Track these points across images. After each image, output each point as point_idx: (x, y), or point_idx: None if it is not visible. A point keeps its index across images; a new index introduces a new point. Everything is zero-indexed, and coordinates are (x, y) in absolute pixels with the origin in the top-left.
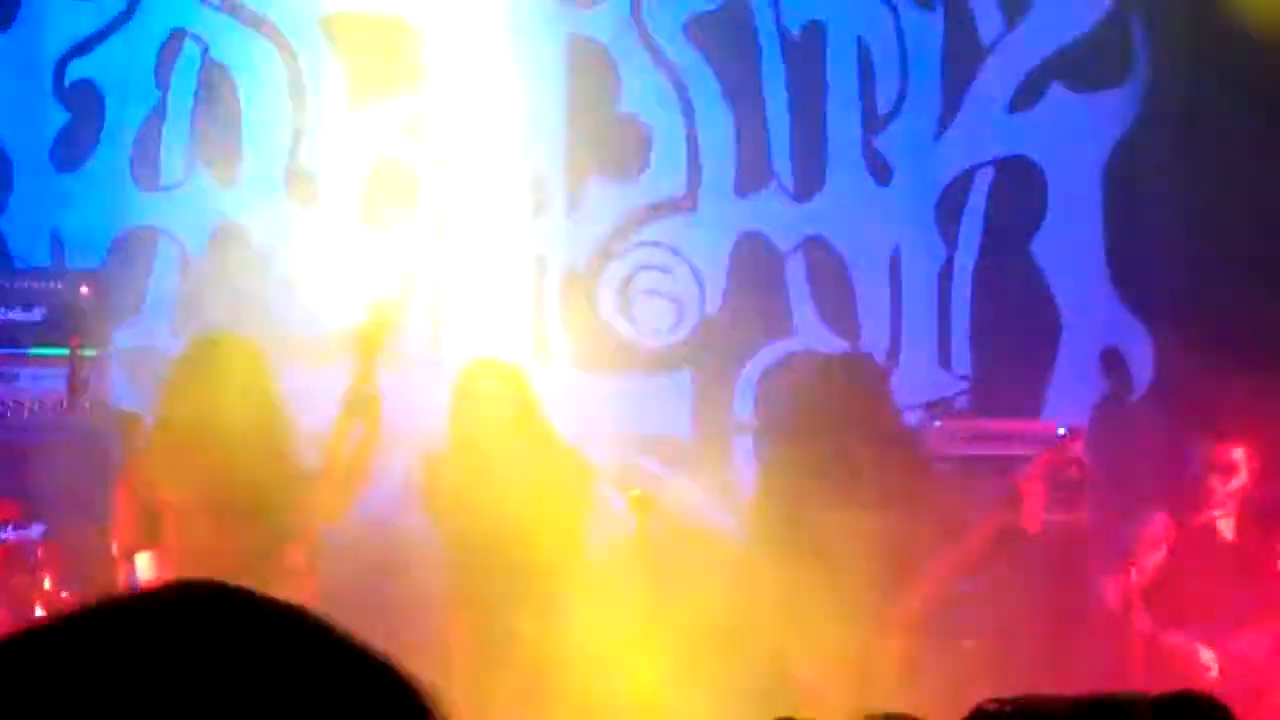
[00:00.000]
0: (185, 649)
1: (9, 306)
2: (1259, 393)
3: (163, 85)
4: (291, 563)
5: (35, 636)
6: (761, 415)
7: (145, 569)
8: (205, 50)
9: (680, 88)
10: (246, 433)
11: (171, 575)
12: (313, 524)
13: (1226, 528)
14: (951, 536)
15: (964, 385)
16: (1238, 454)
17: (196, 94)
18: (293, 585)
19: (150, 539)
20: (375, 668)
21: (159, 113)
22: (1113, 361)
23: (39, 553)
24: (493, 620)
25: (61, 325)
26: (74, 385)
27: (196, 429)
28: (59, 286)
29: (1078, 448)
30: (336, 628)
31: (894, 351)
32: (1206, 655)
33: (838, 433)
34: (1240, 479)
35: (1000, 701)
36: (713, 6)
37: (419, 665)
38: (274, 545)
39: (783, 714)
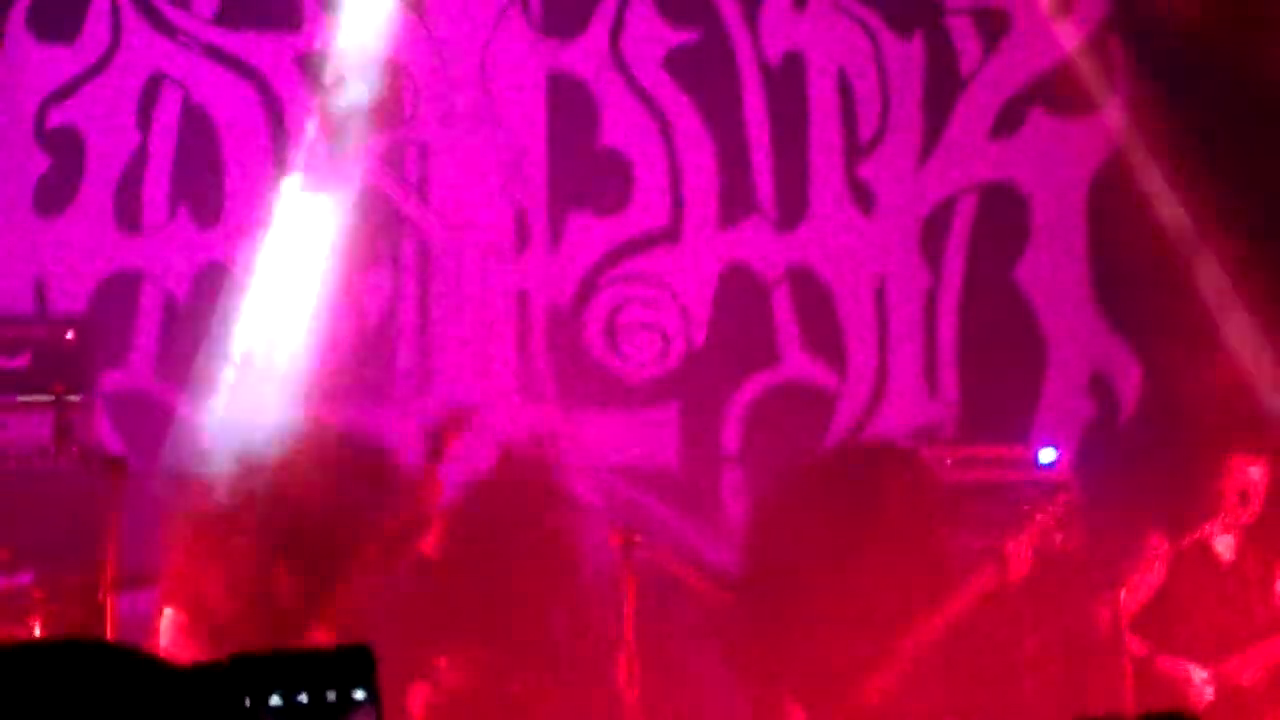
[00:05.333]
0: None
1: None
2: (1260, 408)
3: (143, 128)
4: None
5: None
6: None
7: (167, 627)
8: (185, 93)
9: (661, 120)
10: None
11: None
12: None
13: (1225, 548)
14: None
15: (951, 412)
16: (1255, 471)
17: (177, 137)
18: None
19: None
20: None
21: (140, 156)
22: (1100, 385)
23: (28, 599)
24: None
25: (46, 371)
26: (60, 431)
27: None
28: (43, 332)
29: (1067, 497)
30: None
31: (880, 379)
32: (1201, 678)
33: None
34: (1256, 495)
35: None
36: (692, 38)
37: None
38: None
39: None
